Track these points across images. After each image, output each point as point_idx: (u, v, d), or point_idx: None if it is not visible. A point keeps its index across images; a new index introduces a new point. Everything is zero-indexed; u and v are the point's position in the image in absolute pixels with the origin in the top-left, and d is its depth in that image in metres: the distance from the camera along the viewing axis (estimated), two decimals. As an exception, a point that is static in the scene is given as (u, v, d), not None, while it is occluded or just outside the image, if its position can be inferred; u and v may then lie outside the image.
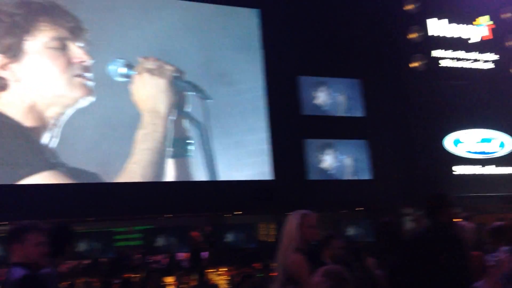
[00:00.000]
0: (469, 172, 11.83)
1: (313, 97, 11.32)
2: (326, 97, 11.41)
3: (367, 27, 11.60)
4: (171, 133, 9.64)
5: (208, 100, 9.88)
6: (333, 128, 11.10)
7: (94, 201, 8.89)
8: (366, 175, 11.24)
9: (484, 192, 11.54)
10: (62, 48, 9.02)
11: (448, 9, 12.42)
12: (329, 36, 11.32)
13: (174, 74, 9.76)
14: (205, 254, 10.39)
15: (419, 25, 12.19)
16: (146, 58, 9.64)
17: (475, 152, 12.03)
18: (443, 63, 12.30)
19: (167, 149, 9.58)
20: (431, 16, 12.36)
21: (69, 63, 9.02)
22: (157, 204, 9.44)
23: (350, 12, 11.57)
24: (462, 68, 12.41)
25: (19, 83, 8.71)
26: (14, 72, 8.70)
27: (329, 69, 11.34)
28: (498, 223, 5.00)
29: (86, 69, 9.14)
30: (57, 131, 8.88)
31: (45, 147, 8.75)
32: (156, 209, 9.59)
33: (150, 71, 9.58)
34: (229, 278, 9.57)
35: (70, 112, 8.99)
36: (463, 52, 12.48)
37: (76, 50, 9.12)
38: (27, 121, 8.63)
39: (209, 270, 9.55)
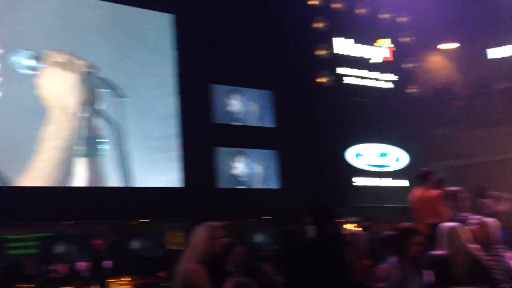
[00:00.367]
0: (367, 184, 12.53)
1: (226, 105, 11.39)
2: (239, 106, 11.54)
3: (278, 41, 11.95)
4: (83, 131, 9.19)
5: (125, 99, 9.56)
6: (244, 137, 11.24)
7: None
8: (275, 184, 11.49)
9: (381, 202, 12.29)
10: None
11: (353, 29, 13.13)
12: (242, 47, 11.49)
13: (87, 70, 9.34)
14: (108, 264, 10.01)
15: (327, 43, 12.76)
16: (56, 51, 9.14)
17: (374, 165, 12.79)
18: (347, 80, 12.96)
19: (78, 147, 9.13)
20: (338, 35, 12.99)
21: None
22: (59, 211, 8.95)
23: (263, 26, 11.86)
24: (364, 86, 13.15)
25: None
26: None
27: (242, 79, 11.51)
28: (388, 233, 5.22)
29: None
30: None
31: None
32: (57, 215, 9.08)
33: (60, 65, 9.08)
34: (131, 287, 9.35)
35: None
36: (366, 71, 13.25)
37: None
38: None
39: (111, 280, 9.25)
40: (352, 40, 13.16)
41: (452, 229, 4.19)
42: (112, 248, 10.24)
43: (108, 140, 9.50)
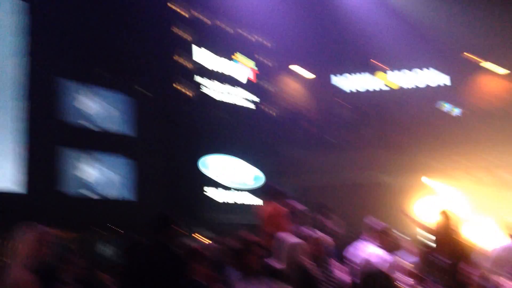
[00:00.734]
0: (219, 195, 12.68)
1: (77, 104, 10.65)
2: (94, 107, 10.89)
3: (139, 44, 11.51)
4: None
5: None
6: (99, 141, 10.65)
7: None
8: (130, 195, 11.09)
9: (234, 216, 12.44)
10: None
11: (213, 41, 13.23)
12: (100, 44, 10.84)
13: None
14: None
15: (186, 51, 12.71)
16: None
17: (231, 181, 12.99)
18: (207, 91, 13.05)
19: None
20: (198, 45, 12.99)
21: None
22: None
23: (123, 25, 11.28)
24: (223, 100, 13.37)
25: None
26: None
27: (97, 79, 10.88)
28: (231, 243, 5.27)
29: None
30: None
31: None
32: None
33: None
34: None
35: None
36: (228, 86, 13.50)
37: None
38: None
39: None
40: (211, 52, 13.27)
41: (293, 246, 4.41)
42: None
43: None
